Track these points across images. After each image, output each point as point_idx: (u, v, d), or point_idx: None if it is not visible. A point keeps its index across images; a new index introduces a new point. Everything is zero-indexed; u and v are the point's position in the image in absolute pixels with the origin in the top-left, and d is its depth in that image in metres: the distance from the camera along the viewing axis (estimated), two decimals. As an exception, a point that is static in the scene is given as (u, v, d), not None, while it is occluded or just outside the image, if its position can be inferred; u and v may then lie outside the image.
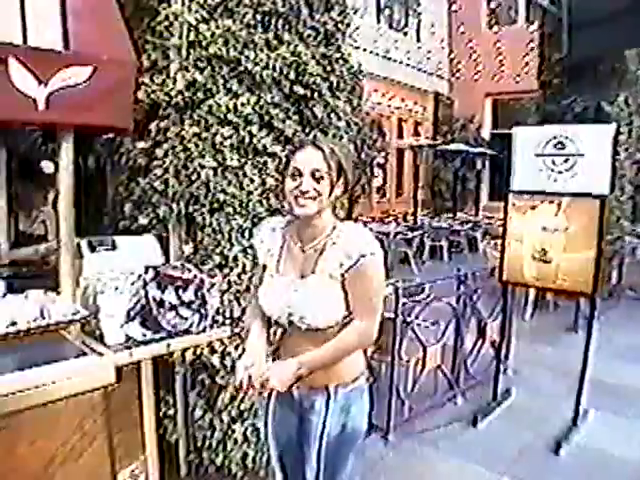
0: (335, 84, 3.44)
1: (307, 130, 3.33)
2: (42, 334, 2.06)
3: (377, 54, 13.17)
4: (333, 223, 2.01)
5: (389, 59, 13.80)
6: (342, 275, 1.91)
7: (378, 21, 13.81)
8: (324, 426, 2.03)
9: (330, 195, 1.93)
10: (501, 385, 4.84)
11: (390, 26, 14.39)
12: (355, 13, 3.85)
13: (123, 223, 3.20)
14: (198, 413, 3.25)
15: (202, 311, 2.25)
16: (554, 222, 4.13)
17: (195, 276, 2.22)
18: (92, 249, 2.40)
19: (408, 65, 14.65)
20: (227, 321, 3.07)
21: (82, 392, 1.97)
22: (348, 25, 3.60)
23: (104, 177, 3.53)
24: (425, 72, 15.55)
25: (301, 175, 1.91)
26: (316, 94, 3.32)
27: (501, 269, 4.47)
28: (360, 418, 2.09)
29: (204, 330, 2.29)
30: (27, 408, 1.84)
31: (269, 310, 2.06)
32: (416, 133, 15.18)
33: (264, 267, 2.12)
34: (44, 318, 2.08)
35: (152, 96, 2.94)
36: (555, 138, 4.13)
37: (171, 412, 3.23)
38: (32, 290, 2.26)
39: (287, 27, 3.20)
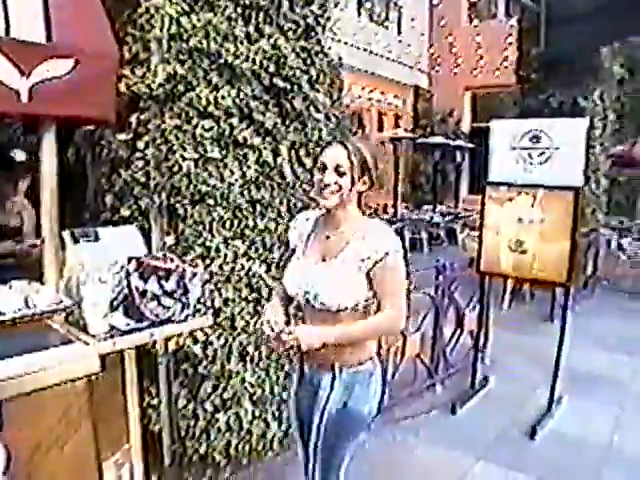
0: (315, 77, 3.49)
1: (287, 122, 3.37)
2: (27, 324, 2.09)
3: (358, 47, 13.19)
4: (359, 217, 2.20)
5: (370, 52, 13.82)
6: (369, 267, 2.07)
7: (359, 14, 13.82)
8: (327, 401, 2.18)
9: (351, 190, 2.11)
10: (479, 373, 4.93)
11: (371, 19, 14.41)
12: (335, 6, 3.87)
13: (105, 215, 3.22)
14: (181, 402, 3.28)
15: (184, 300, 2.28)
16: (530, 213, 4.22)
17: (177, 266, 2.25)
18: (75, 240, 2.41)
19: (388, 58, 14.69)
20: (209, 311, 3.12)
21: (67, 381, 2.00)
22: (328, 19, 3.65)
23: (85, 169, 3.54)
24: (405, 65, 15.61)
25: (325, 169, 2.10)
26: (296, 87, 3.37)
27: (478, 260, 4.56)
28: (363, 401, 2.20)
29: (186, 319, 2.33)
30: (13, 396, 1.86)
31: (290, 287, 2.23)
32: (396, 126, 15.20)
33: (293, 250, 2.34)
34: (29, 308, 2.10)
35: (133, 88, 2.96)
36: (531, 131, 4.22)
37: (155, 402, 3.25)
38: (16, 281, 2.28)
39: (268, 20, 3.23)
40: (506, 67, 12.61)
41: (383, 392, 2.28)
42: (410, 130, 14.94)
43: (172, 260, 2.27)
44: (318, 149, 3.43)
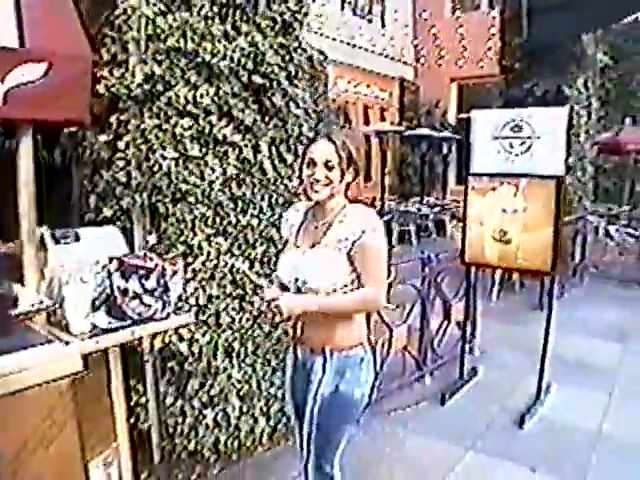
0: (293, 73, 3.49)
1: (266, 119, 3.38)
2: (7, 325, 2.10)
3: (342, 41, 13.20)
4: (343, 204, 2.28)
5: (354, 46, 13.84)
6: (348, 248, 2.16)
7: (342, 8, 13.83)
8: (319, 385, 2.25)
9: (341, 182, 2.22)
10: (468, 364, 4.97)
11: (354, 13, 14.43)
12: (314, 1, 3.88)
13: (89, 215, 3.23)
14: (169, 400, 3.31)
15: (165, 298, 2.29)
16: (513, 203, 4.24)
17: (157, 265, 2.27)
18: (56, 241, 2.43)
19: (373, 52, 14.71)
20: (193, 308, 3.15)
21: (50, 380, 2.01)
22: (306, 15, 3.64)
23: (70, 170, 3.55)
24: (390, 58, 15.62)
25: (315, 165, 2.19)
26: (274, 83, 3.37)
27: (463, 251, 4.58)
28: (354, 385, 2.26)
29: (168, 316, 2.34)
30: (-2, 397, 1.88)
31: (282, 276, 2.33)
32: (382, 119, 15.23)
33: (286, 241, 2.45)
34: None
35: (112, 89, 2.97)
36: (512, 121, 4.23)
37: (142, 400, 3.28)
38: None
39: (244, 18, 3.23)
40: (490, 58, 12.65)
41: (375, 380, 2.35)
42: (396, 123, 14.97)
43: (152, 259, 2.29)
44: (299, 144, 3.46)
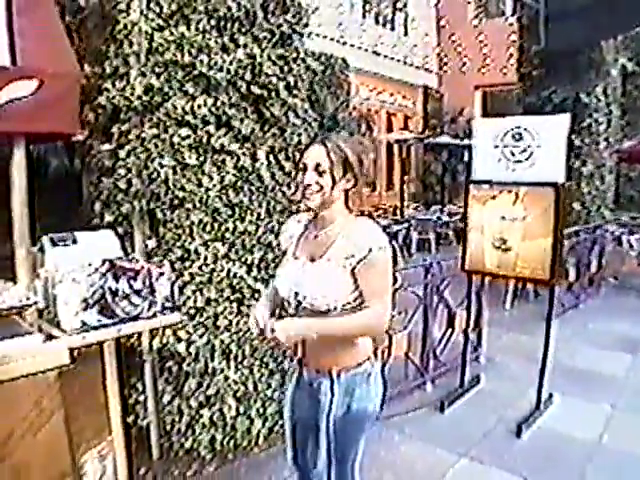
0: (292, 83, 3.60)
1: (265, 128, 3.49)
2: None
3: (364, 49, 13.30)
4: (345, 216, 2.17)
5: (377, 54, 13.93)
6: (353, 265, 2.05)
7: (364, 16, 13.95)
8: (330, 407, 2.19)
9: (333, 188, 2.09)
10: (472, 372, 4.97)
11: (376, 21, 14.54)
12: (314, 12, 3.98)
13: (95, 221, 3.38)
14: (166, 399, 3.43)
15: (151, 298, 2.42)
16: (513, 211, 4.25)
17: (142, 267, 2.39)
18: (53, 244, 2.57)
19: (396, 59, 14.79)
20: (191, 310, 3.28)
21: (37, 372, 2.15)
22: (306, 25, 3.75)
23: (81, 178, 3.71)
24: (413, 66, 15.68)
25: (306, 169, 2.10)
26: (273, 93, 3.48)
27: (463, 258, 4.59)
28: (366, 401, 2.22)
29: (154, 316, 2.46)
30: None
31: (281, 289, 2.24)
32: (405, 127, 15.29)
33: (284, 253, 2.35)
34: (-2, 303, 2.28)
35: (113, 101, 3.12)
36: (513, 129, 4.26)
37: (141, 398, 3.41)
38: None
39: (242, 30, 3.34)
40: (512, 65, 12.62)
41: (384, 389, 2.32)
42: (420, 131, 15.01)
43: (138, 261, 2.42)
44: (297, 153, 3.56)
